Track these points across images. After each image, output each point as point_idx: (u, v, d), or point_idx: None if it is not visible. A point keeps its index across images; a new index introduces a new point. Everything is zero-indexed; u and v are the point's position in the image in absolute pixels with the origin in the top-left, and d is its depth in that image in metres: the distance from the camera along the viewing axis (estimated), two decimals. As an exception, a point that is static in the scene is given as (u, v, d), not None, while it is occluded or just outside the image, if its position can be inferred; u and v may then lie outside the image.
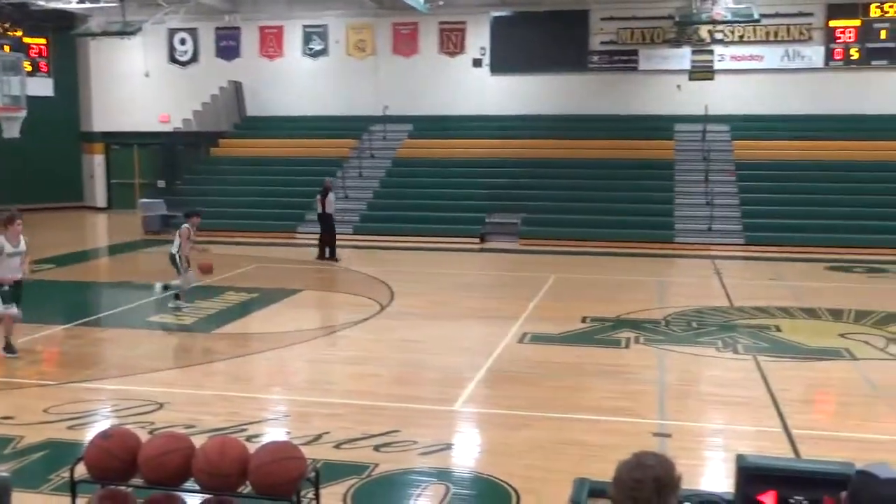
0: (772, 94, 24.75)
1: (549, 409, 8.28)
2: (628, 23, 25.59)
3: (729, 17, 22.04)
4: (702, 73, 25.20)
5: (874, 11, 24.22)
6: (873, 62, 24.41)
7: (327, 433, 7.39)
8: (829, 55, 24.64)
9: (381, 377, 9.58)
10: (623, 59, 25.83)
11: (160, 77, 28.97)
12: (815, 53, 24.69)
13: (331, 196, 18.83)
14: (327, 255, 18.40)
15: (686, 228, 21.30)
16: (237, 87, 28.41)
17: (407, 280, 15.99)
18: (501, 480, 6.44)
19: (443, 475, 6.60)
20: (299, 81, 28.00)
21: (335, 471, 6.44)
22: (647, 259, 18.99)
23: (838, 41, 24.55)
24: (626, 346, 10.84)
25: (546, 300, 13.99)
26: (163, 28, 28.07)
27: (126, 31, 24.09)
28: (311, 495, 4.56)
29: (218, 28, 28.47)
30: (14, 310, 9.94)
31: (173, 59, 29.04)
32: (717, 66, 25.14)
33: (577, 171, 23.51)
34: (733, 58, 25.08)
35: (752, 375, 9.49)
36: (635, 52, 25.73)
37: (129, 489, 4.41)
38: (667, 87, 25.42)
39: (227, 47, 28.58)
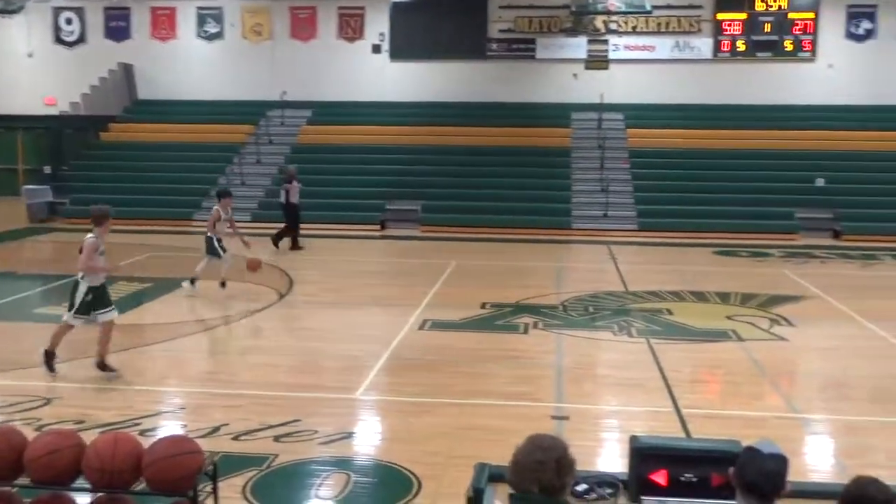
0: (663, 83, 25.47)
1: (450, 394, 8.34)
2: (526, 11, 25.89)
3: (623, 8, 22.56)
4: (597, 62, 25.69)
5: (759, 5, 25.19)
6: (758, 54, 25.41)
7: (225, 425, 7.26)
8: (717, 47, 25.52)
9: (280, 367, 9.46)
10: (521, 48, 26.14)
11: (45, 58, 27.73)
12: (704, 45, 25.52)
13: (295, 184, 18.31)
14: (291, 245, 17.85)
15: (582, 215, 21.75)
16: (128, 70, 27.47)
17: (306, 268, 15.82)
18: (403, 467, 6.46)
19: (344, 464, 6.57)
20: (193, 65, 27.29)
21: (234, 463, 6.34)
22: (545, 245, 19.31)
23: (726, 33, 25.44)
24: (525, 332, 11.01)
25: (446, 287, 14.07)
26: (47, 7, 26.89)
27: (7, 10, 22.98)
28: (208, 489, 4.47)
29: (106, 8, 27.44)
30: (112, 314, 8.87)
31: (59, 40, 27.83)
32: (611, 55, 25.67)
33: (476, 158, 23.68)
34: (627, 48, 25.68)
35: (645, 358, 9.78)
36: (533, 41, 26.06)
37: (14, 489, 4.24)
38: (563, 76, 25.85)
39: (117, 28, 27.57)
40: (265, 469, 6.39)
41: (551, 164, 23.60)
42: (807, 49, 25.27)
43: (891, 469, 6.42)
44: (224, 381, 8.83)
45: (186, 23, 27.34)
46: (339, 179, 23.05)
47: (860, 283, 15.38)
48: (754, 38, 25.34)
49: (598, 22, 25.39)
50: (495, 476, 3.61)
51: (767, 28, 25.27)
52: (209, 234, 13.27)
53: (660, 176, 22.84)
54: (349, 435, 7.28)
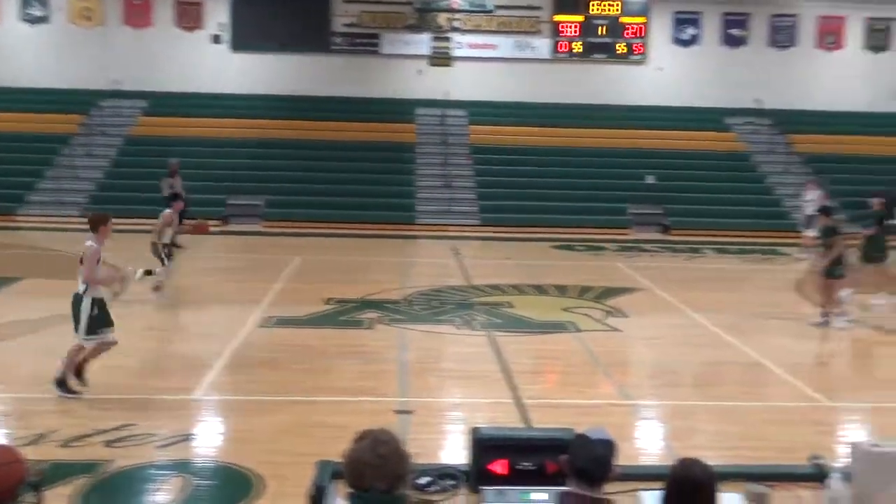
0: (505, 82, 26.06)
1: (294, 392, 8.24)
2: (370, 6, 25.85)
3: (465, 7, 22.96)
4: (441, 59, 26.03)
5: (594, 9, 26.20)
6: (594, 55, 26.43)
7: (54, 431, 6.88)
8: (556, 47, 26.36)
9: (115, 368, 9.03)
10: (365, 42, 26.08)
11: None
12: (543, 45, 26.30)
13: (178, 179, 17.51)
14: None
15: (427, 210, 21.99)
16: (-59, 53, 25.46)
17: (143, 265, 15.17)
18: (245, 468, 6.33)
19: (182, 467, 6.37)
20: (17, 50, 25.58)
21: (62, 471, 6.01)
22: (389, 240, 19.38)
23: (563, 35, 26.31)
24: (370, 327, 11.02)
25: (290, 283, 13.89)
26: None
27: None
28: (33, 500, 4.22)
29: (-84, -15, 25.34)
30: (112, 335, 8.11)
31: None
32: (455, 53, 26.07)
33: (320, 153, 23.48)
34: (470, 46, 26.11)
35: (487, 350, 9.99)
36: (377, 36, 26.06)
37: None
38: (408, 72, 26.01)
39: (-71, 8, 25.51)
40: (97, 476, 6.10)
41: (396, 160, 23.71)
42: (638, 52, 26.51)
43: (714, 450, 6.85)
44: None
45: (8, 4, 25.62)
46: (177, 173, 22.26)
47: (686, 275, 16.32)
48: (590, 40, 26.34)
49: (442, 19, 25.70)
50: (338, 473, 3.59)
51: (602, 31, 26.34)
52: (154, 240, 12.53)
53: (501, 172, 23.39)
54: (188, 437, 7.06)
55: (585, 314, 12.04)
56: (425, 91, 25.66)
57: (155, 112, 24.93)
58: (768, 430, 7.64)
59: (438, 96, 25.18)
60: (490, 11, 23.88)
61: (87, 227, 8.31)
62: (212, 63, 25.72)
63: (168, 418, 7.40)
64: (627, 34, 26.41)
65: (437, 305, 12.48)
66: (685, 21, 26.61)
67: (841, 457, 5.29)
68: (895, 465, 3.39)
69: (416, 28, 25.83)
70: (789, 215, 22.06)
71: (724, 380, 9.56)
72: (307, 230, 19.93)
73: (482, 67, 26.09)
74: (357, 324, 11.16)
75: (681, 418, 8.11)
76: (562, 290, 13.84)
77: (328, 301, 12.27)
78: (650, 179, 23.21)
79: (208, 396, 8.24)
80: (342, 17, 25.93)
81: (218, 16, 25.80)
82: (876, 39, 26.99)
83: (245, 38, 25.68)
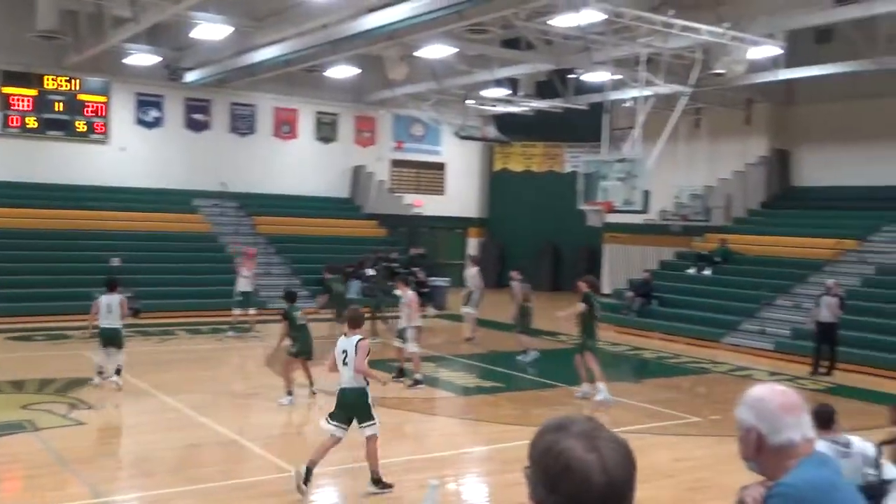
0: (-57, 156, 23.13)
1: None
2: None
3: None
4: None
5: (49, 83, 24.68)
6: (50, 132, 24.80)
7: None
8: (6, 122, 24.19)
9: None
10: None
11: None
12: (-10, 119, 23.98)
13: None
14: None
15: None
16: None
17: None
18: None
19: None
20: None
21: None
22: None
23: (14, 109, 24.28)
24: None
25: None
26: None
27: None
28: None
29: None
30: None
31: None
32: None
33: None
34: None
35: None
36: None
37: None
38: None
39: None
40: None
41: None
42: (100, 131, 25.57)
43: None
44: None
45: None
46: None
47: (158, 358, 15.93)
48: (45, 115, 24.68)
49: None
50: None
51: (59, 107, 24.86)
52: None
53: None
54: None
55: (46, 410, 10.99)
56: None
57: None
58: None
59: None
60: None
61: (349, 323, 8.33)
62: None
63: None
64: (87, 112, 25.35)
65: None
66: (148, 103, 26.43)
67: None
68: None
69: None
70: (258, 294, 22.87)
71: (201, 461, 9.41)
72: None
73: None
74: None
75: (157, 509, 7.75)
76: (18, 385, 12.49)
77: None
78: (116, 262, 22.31)
79: None
80: None
81: None
82: (325, 131, 29.78)
83: None
